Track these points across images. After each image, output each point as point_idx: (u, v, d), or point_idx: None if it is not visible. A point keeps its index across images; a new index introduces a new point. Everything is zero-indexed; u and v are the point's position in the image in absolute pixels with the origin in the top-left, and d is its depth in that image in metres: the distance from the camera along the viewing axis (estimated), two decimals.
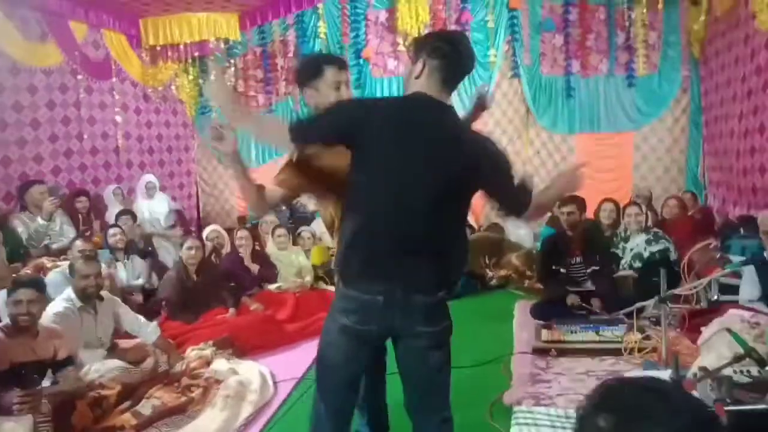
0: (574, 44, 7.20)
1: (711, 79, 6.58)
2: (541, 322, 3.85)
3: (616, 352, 3.38)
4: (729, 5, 5.76)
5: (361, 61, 7.14)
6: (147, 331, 3.53)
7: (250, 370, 3.42)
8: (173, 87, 7.61)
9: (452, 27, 7.13)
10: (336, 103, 1.91)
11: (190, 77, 7.62)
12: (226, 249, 5.27)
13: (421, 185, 1.70)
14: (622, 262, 4.63)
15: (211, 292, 4.37)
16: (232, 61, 7.65)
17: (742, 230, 4.78)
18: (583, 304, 4.08)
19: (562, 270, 4.32)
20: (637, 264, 4.54)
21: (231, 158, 1.90)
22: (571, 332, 3.59)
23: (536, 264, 5.02)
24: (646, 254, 4.52)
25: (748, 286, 3.60)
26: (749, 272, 3.60)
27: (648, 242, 4.57)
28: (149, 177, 6.47)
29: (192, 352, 3.59)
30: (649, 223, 4.97)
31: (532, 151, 7.40)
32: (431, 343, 1.79)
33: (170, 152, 7.68)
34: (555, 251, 4.46)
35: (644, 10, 6.83)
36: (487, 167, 1.76)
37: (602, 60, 7.23)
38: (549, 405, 2.78)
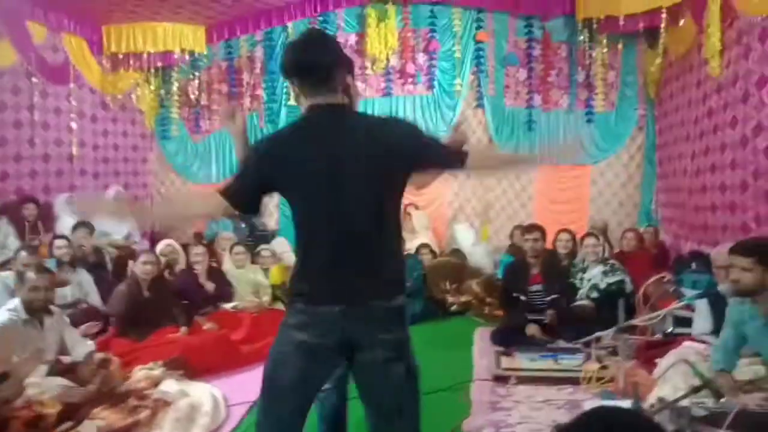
0: (536, 79, 7.42)
1: (665, 119, 6.87)
2: (501, 348, 3.85)
3: (575, 381, 3.40)
4: (683, 50, 6.06)
5: None
6: (80, 348, 3.35)
7: (202, 392, 3.27)
8: (133, 96, 7.42)
9: (420, 54, 7.26)
10: (241, 162, 1.88)
11: (152, 87, 7.47)
12: (181, 265, 5.10)
13: (349, 189, 1.67)
14: (580, 292, 4.71)
15: (163, 310, 4.19)
16: (196, 73, 7.54)
17: (693, 265, 4.94)
18: (543, 336, 4.10)
19: (522, 297, 4.36)
20: (594, 294, 4.62)
21: (238, 139, 1.98)
22: (531, 360, 3.59)
23: (497, 291, 5.05)
24: (602, 285, 4.62)
25: (702, 319, 3.70)
26: (703, 306, 3.70)
27: (605, 273, 4.66)
28: (117, 188, 6.28)
29: (140, 372, 3.41)
30: (606, 254, 5.09)
31: (494, 180, 7.52)
32: (391, 354, 1.71)
33: (126, 163, 7.45)
34: (516, 278, 4.50)
35: (604, 50, 7.11)
36: (406, 139, 1.72)
37: (563, 95, 7.46)
38: None
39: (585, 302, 4.59)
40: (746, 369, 2.84)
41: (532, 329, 4.13)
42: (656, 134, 7.18)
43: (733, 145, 4.98)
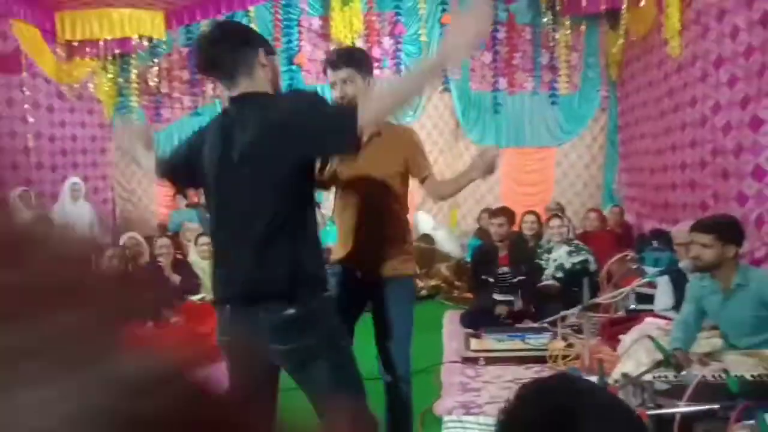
0: (501, 62, 7.45)
1: (627, 100, 6.99)
2: (471, 331, 3.89)
3: (542, 360, 3.46)
4: (644, 31, 6.15)
5: (293, 67, 7.04)
6: None
7: None
8: (90, 85, 7.18)
9: (385, 38, 7.20)
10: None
11: (109, 75, 7.23)
12: (145, 258, 4.98)
13: (234, 184, 1.59)
14: (546, 272, 4.79)
15: None
16: (155, 60, 7.33)
17: (654, 243, 5.06)
18: (512, 310, 4.16)
19: (490, 279, 4.41)
20: (560, 274, 4.71)
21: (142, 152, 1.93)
22: (499, 341, 3.64)
23: (466, 274, 5.10)
24: (567, 265, 4.71)
25: (663, 295, 3.81)
26: (664, 282, 3.80)
27: (570, 254, 4.76)
28: (74, 179, 6.06)
29: None
30: (571, 235, 5.19)
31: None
32: (290, 364, 1.65)
33: (85, 154, 7.23)
34: (484, 261, 4.55)
35: (567, 32, 7.18)
36: (295, 116, 1.55)
37: (528, 78, 7.51)
38: (479, 414, 2.79)
39: (551, 282, 4.67)
40: (705, 342, 2.93)
41: (501, 308, 4.19)
42: (618, 115, 7.30)
43: (693, 124, 5.09)
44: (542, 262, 4.87)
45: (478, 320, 4.02)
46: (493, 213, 4.48)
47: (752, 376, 2.44)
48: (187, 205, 7.06)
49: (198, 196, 7.30)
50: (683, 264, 2.81)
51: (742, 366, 2.52)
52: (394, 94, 1.58)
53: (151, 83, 7.35)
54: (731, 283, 2.63)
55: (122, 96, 7.42)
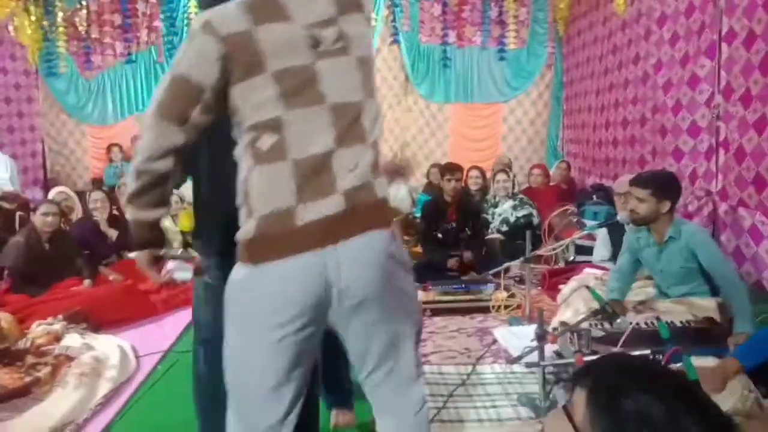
0: (450, 14, 7.34)
1: (573, 57, 7.06)
2: (418, 284, 3.92)
3: (485, 310, 3.54)
4: None
5: None
6: None
7: (108, 344, 3.10)
8: (11, 28, 6.61)
9: None
10: None
11: (32, 18, 6.67)
12: (77, 214, 4.75)
13: None
14: (491, 226, 4.88)
15: (65, 262, 3.91)
16: (83, 2, 6.81)
17: (595, 198, 5.23)
18: (461, 263, 4.23)
19: (439, 235, 4.45)
20: (504, 228, 4.82)
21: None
22: (445, 293, 3.70)
23: (415, 229, 5.13)
24: (512, 219, 4.81)
25: (601, 247, 3.95)
26: (602, 234, 3.94)
27: (514, 208, 4.86)
28: None
29: (38, 327, 3.18)
30: (516, 189, 5.29)
31: (410, 119, 7.50)
32: None
33: (9, 104, 6.72)
34: (433, 216, 4.57)
35: None
36: None
37: (476, 32, 7.45)
38: (424, 363, 2.83)
39: (495, 236, 4.77)
40: (639, 291, 3.07)
41: (452, 261, 4.24)
42: (564, 72, 7.38)
43: (635, 81, 5.20)
44: (488, 216, 4.95)
45: (426, 274, 4.06)
46: (449, 170, 4.47)
47: (681, 322, 2.58)
48: (123, 160, 6.75)
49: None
50: (621, 217, 2.90)
51: (672, 313, 2.66)
52: None
53: (79, 27, 6.84)
54: (665, 236, 2.74)
55: (48, 41, 6.90)
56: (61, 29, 6.87)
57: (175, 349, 3.12)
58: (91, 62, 7.08)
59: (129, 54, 7.01)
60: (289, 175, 1.23)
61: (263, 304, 1.25)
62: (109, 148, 6.93)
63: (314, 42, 1.27)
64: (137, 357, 3.09)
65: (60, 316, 3.29)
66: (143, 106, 7.01)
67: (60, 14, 6.81)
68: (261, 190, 1.24)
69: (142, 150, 1.29)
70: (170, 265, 4.31)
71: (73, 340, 3.08)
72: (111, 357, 2.95)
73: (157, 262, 1.49)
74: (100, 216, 4.48)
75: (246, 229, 1.26)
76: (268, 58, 1.23)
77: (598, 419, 0.72)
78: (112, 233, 4.47)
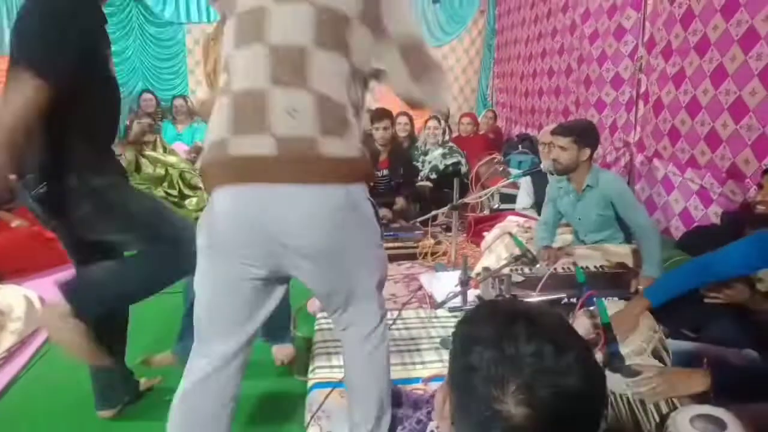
0: None
1: (505, 2, 7.01)
2: None
3: (413, 257, 3.58)
4: None
5: None
6: None
7: (12, 295, 2.90)
8: None
9: None
10: None
11: None
12: None
13: None
14: (421, 173, 4.89)
15: None
16: None
17: (520, 147, 5.33)
18: (394, 212, 4.22)
19: (370, 183, 4.39)
20: (433, 175, 4.84)
21: None
22: None
23: None
24: (441, 167, 4.83)
25: (524, 195, 4.05)
26: (525, 183, 4.03)
27: (444, 156, 4.87)
28: None
29: None
30: (446, 138, 5.29)
31: None
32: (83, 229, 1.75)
33: None
34: None
35: None
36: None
37: None
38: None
39: (425, 184, 4.79)
40: (558, 238, 3.18)
41: (383, 212, 4.22)
42: (496, 18, 7.34)
43: (563, 30, 5.24)
44: (418, 164, 4.95)
45: None
46: (376, 117, 4.35)
47: (596, 267, 2.70)
48: None
49: None
50: (544, 165, 2.96)
51: (588, 259, 2.77)
52: None
53: None
54: (583, 185, 2.82)
55: None
56: None
57: None
58: None
59: None
60: (228, 107, 1.27)
61: (211, 231, 1.31)
62: None
63: None
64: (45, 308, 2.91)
65: None
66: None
67: None
68: (211, 121, 1.31)
69: None
70: None
71: None
72: (16, 308, 2.77)
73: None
74: None
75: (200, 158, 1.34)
76: (238, 2, 1.33)
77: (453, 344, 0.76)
78: (14, 177, 4.11)
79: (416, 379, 2.15)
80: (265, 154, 1.21)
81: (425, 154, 5.02)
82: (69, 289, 1.75)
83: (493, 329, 0.70)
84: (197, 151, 5.23)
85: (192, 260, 1.38)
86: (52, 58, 1.51)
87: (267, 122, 1.22)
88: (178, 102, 6.01)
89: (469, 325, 0.75)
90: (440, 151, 4.92)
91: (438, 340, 2.46)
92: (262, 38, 1.27)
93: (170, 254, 1.72)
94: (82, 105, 1.64)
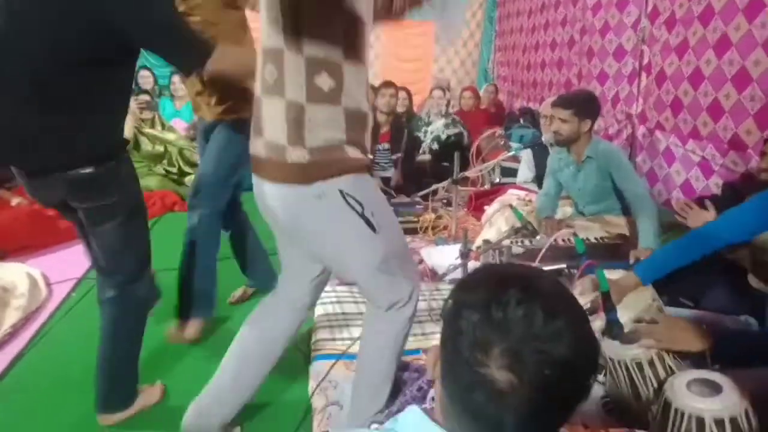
0: None
1: None
2: None
3: (414, 231, 3.58)
4: None
5: None
6: None
7: (15, 272, 2.92)
8: None
9: None
10: None
11: None
12: None
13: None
14: (423, 144, 4.87)
15: None
16: None
17: (521, 121, 5.29)
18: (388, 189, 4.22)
19: (370, 156, 4.38)
20: (435, 146, 4.82)
21: None
22: None
23: None
24: (443, 137, 4.82)
25: (525, 168, 4.04)
26: (526, 156, 4.01)
27: (446, 126, 4.86)
28: None
29: None
30: (450, 109, 5.27)
31: None
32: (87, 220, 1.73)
33: None
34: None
35: None
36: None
37: None
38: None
39: (427, 157, 4.77)
40: (558, 210, 3.18)
41: (385, 187, 4.22)
42: None
43: (566, 1, 5.16)
44: (420, 134, 4.94)
45: None
46: (384, 84, 4.35)
47: (595, 238, 2.70)
48: None
49: None
50: (545, 138, 2.94)
51: (588, 230, 2.78)
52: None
53: None
54: (583, 156, 2.81)
55: None
56: None
57: (89, 275, 2.96)
58: None
59: None
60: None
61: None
62: None
63: None
64: (48, 285, 2.94)
65: None
66: None
67: None
68: None
69: None
70: None
71: None
72: (19, 285, 2.79)
73: None
74: None
75: None
76: None
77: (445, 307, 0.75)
78: None
79: (416, 351, 2.17)
80: (261, 156, 1.43)
81: (428, 124, 5.01)
82: None
83: (484, 293, 0.69)
84: (196, 127, 5.21)
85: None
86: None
87: (263, 129, 1.41)
88: (176, 79, 5.97)
89: (462, 290, 0.74)
90: (443, 121, 4.91)
91: (439, 312, 2.47)
92: (263, 41, 1.39)
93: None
94: (121, 86, 1.70)
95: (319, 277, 1.70)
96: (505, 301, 0.66)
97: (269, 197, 1.45)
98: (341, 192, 1.40)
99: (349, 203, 1.42)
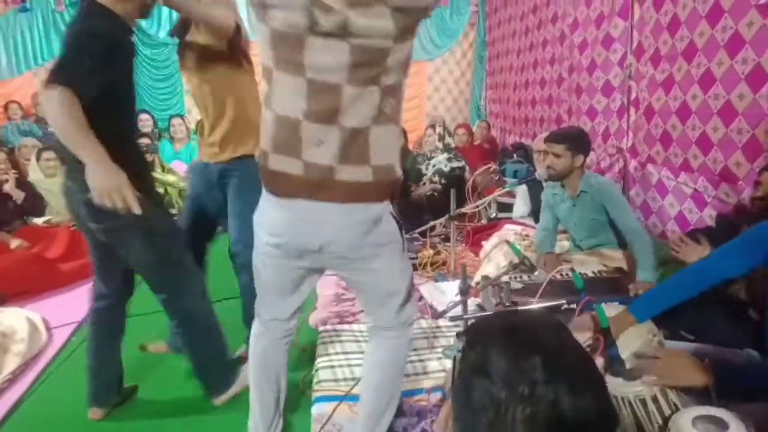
0: None
1: (495, 15, 7.11)
2: None
3: (413, 268, 3.59)
4: None
5: None
6: None
7: (15, 317, 2.90)
8: None
9: None
10: None
11: None
12: None
13: None
14: (425, 177, 4.94)
15: None
16: None
17: (515, 156, 5.38)
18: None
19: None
20: (436, 178, 4.89)
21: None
22: None
23: None
24: (446, 170, 4.89)
25: (520, 203, 4.09)
26: (521, 191, 4.07)
27: (449, 160, 4.94)
28: None
29: None
30: (448, 142, 5.39)
31: None
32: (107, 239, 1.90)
33: None
34: None
35: None
36: None
37: None
38: (352, 322, 2.86)
39: (433, 186, 4.83)
40: (556, 245, 3.21)
41: None
42: (487, 31, 7.43)
43: (553, 41, 5.32)
44: (422, 167, 5.02)
45: None
46: None
47: (593, 273, 2.73)
48: (24, 117, 6.21)
49: (36, 108, 6.42)
50: (539, 173, 2.99)
51: (585, 264, 2.80)
52: None
53: None
54: (577, 190, 2.86)
55: None
56: None
57: None
58: None
59: (23, 1, 6.36)
60: (271, 123, 1.42)
61: (257, 224, 1.56)
62: (6, 106, 6.34)
63: (312, 22, 1.29)
64: (48, 329, 2.92)
65: None
66: (42, 60, 6.43)
67: None
68: (261, 124, 1.48)
69: None
70: None
71: None
72: (19, 330, 2.77)
73: None
74: (3, 178, 4.13)
75: None
76: (269, 13, 1.34)
77: (459, 368, 0.75)
78: (19, 194, 4.14)
79: (419, 390, 2.17)
80: (295, 174, 1.40)
81: (430, 159, 5.10)
82: None
83: (505, 363, 0.68)
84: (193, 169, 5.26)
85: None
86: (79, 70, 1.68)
87: (300, 150, 1.39)
88: (176, 121, 6.06)
89: (476, 348, 0.72)
90: (446, 155, 5.01)
91: (440, 350, 2.47)
92: (300, 71, 1.34)
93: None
94: (126, 117, 1.88)
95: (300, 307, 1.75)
96: (529, 379, 0.66)
97: (307, 216, 1.43)
98: (392, 215, 1.51)
99: (400, 227, 1.54)
